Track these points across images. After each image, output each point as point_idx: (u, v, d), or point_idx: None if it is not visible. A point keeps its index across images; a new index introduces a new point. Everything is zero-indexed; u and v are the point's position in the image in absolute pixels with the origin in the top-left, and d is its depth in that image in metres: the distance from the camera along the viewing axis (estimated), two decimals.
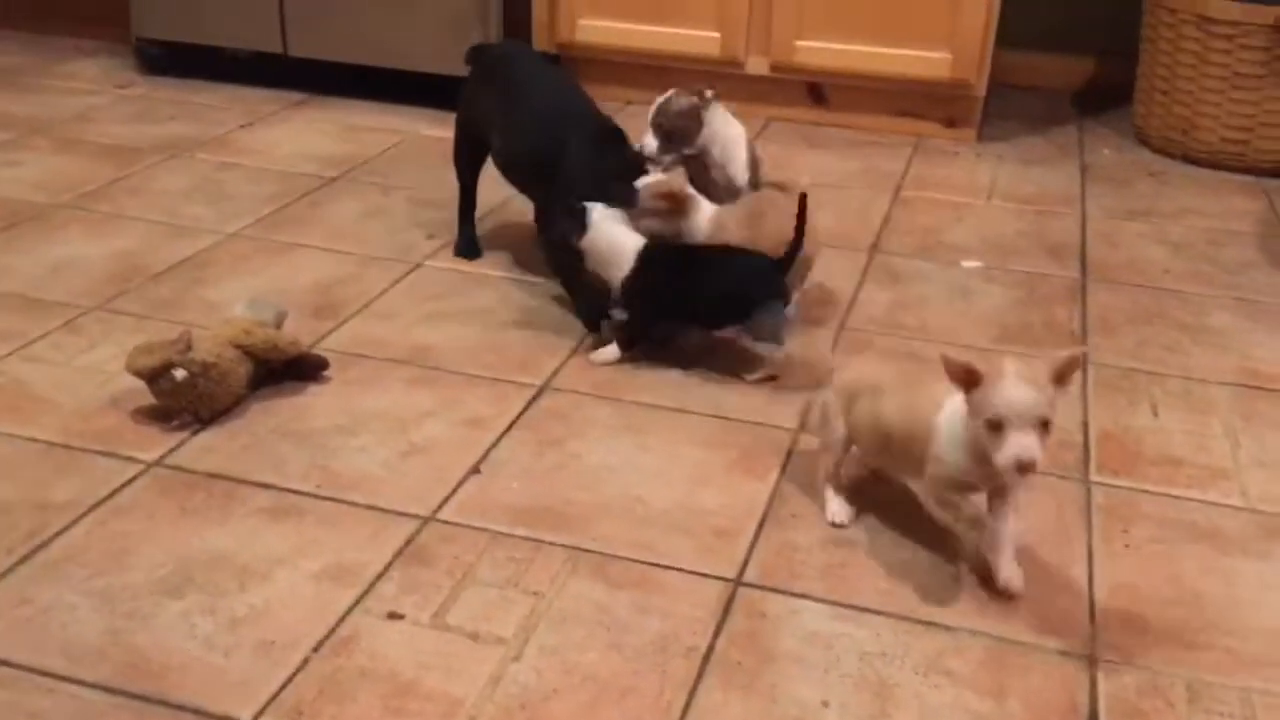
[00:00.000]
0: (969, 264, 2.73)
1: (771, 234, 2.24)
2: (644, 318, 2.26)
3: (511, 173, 2.48)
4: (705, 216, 2.30)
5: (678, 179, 2.36)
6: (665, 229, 2.28)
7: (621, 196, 2.25)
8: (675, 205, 2.27)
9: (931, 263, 2.73)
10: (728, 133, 2.50)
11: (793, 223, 2.17)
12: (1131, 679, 1.53)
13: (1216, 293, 2.62)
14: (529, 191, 2.47)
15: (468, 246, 2.65)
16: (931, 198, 3.11)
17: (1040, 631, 1.60)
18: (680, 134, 2.43)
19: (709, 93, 2.45)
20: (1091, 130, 3.69)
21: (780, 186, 2.41)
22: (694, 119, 2.43)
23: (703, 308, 2.21)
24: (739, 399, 2.14)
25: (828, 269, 2.66)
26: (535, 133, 2.37)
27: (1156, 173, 3.35)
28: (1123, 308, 2.54)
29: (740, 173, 2.50)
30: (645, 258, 2.22)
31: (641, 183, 2.27)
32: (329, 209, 2.89)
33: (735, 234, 2.27)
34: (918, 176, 3.26)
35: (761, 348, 2.20)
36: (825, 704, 1.48)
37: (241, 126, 3.42)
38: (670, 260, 2.23)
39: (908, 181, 3.22)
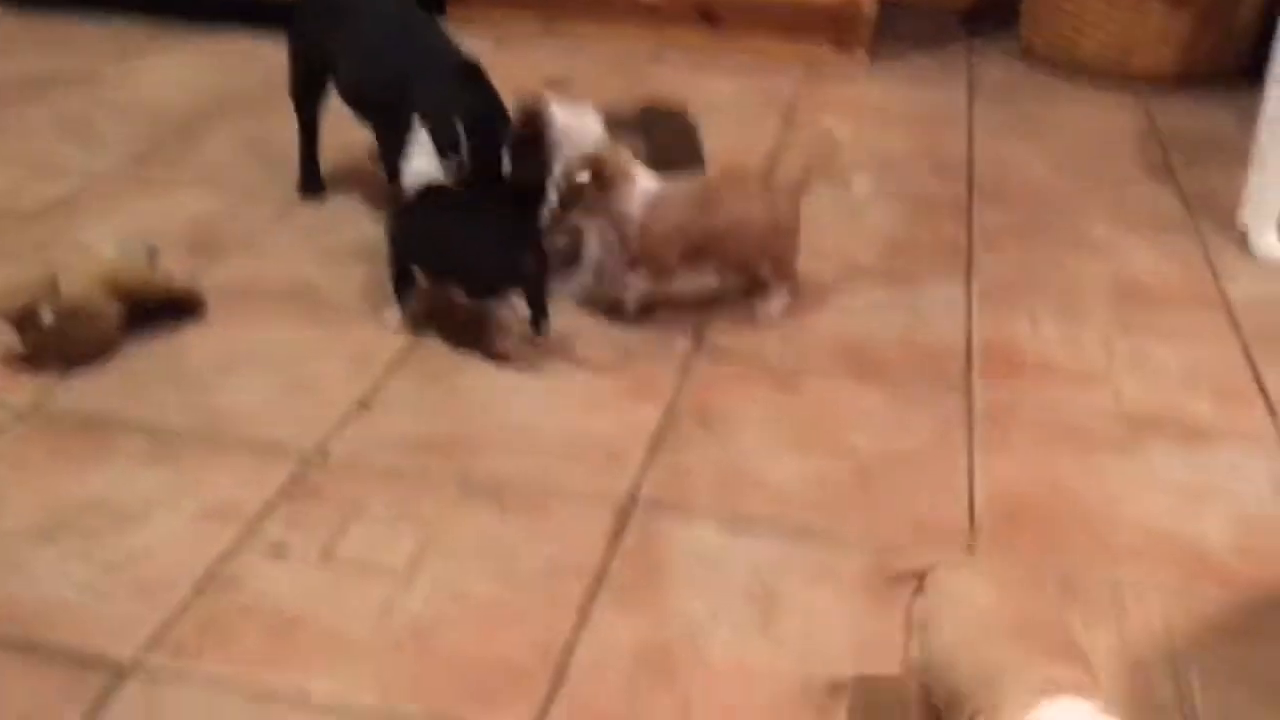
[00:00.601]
0: (859, 184, 2.74)
1: (725, 224, 2.07)
2: (391, 267, 2.05)
3: (356, 106, 2.34)
4: (637, 197, 2.04)
5: (618, 151, 2.08)
6: (591, 208, 2.05)
7: (480, 139, 2.06)
8: (598, 179, 2.01)
9: (822, 183, 2.73)
10: (578, 130, 2.16)
11: (754, 209, 2.07)
12: (1008, 576, 1.57)
13: (1096, 205, 2.68)
14: (375, 127, 2.34)
15: (309, 182, 2.54)
16: (823, 119, 3.11)
17: (922, 536, 1.64)
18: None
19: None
20: (980, 49, 3.72)
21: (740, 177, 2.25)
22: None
23: (442, 270, 2.00)
24: (630, 328, 2.13)
25: None
26: (382, 65, 2.23)
27: (1040, 87, 3.40)
28: (1007, 223, 2.58)
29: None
30: (418, 195, 2.01)
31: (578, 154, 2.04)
32: (203, 144, 2.78)
33: (679, 221, 2.06)
34: (810, 98, 3.26)
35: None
36: (715, 617, 1.50)
37: (112, 60, 3.28)
38: (432, 205, 2.00)
39: (800, 103, 3.22)
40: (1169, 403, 1.96)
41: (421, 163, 2.05)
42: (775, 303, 2.17)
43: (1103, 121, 3.18)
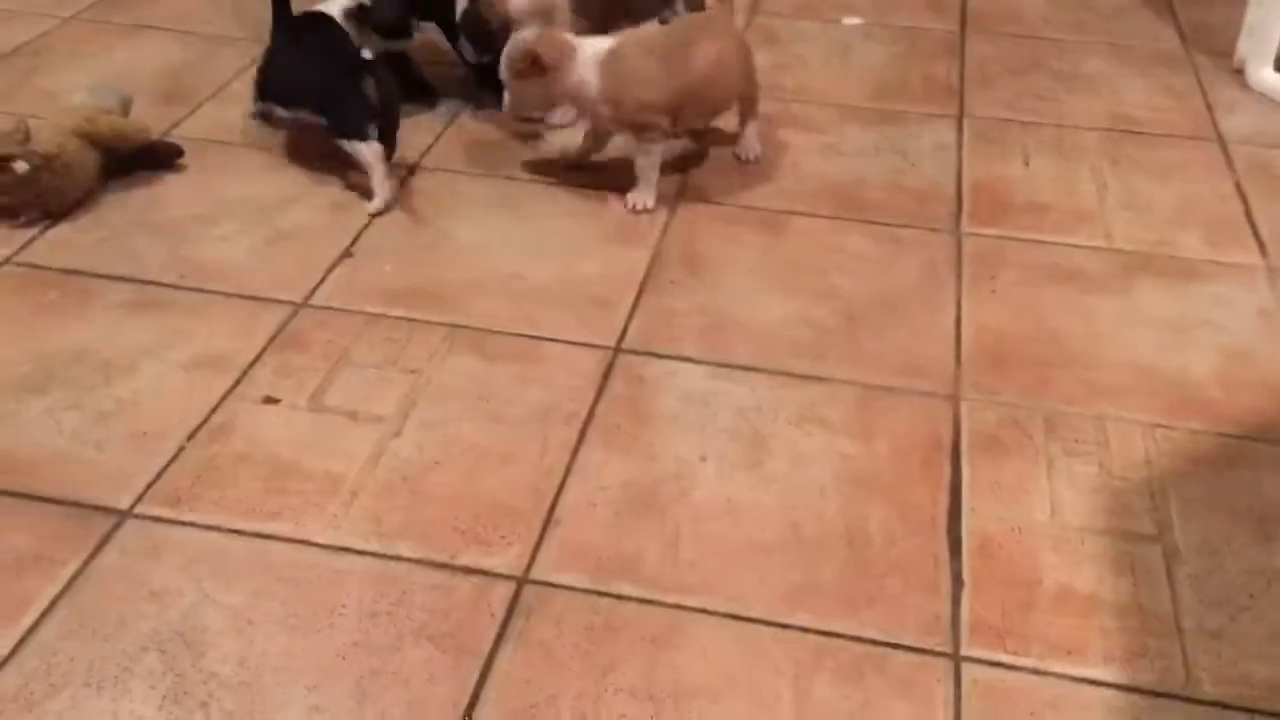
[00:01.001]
0: (849, 21, 2.67)
1: (700, 71, 1.94)
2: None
3: None
4: (588, 65, 1.91)
5: (549, 34, 1.95)
6: (543, 93, 1.95)
7: None
8: (534, 68, 1.91)
9: (812, 22, 2.66)
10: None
11: (727, 48, 1.99)
12: (992, 414, 1.59)
13: (1092, 39, 2.61)
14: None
15: None
16: None
17: (908, 376, 1.65)
18: None
19: None
20: None
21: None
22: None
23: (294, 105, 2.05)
24: (613, 170, 2.10)
25: None
26: None
27: None
28: (1000, 59, 2.52)
29: None
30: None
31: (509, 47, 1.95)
32: None
33: (652, 76, 1.93)
34: None
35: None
36: (703, 458, 1.52)
37: None
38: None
39: None
40: (1159, 240, 1.95)
41: None
42: (756, 140, 2.13)
43: None
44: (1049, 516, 1.43)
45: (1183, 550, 1.40)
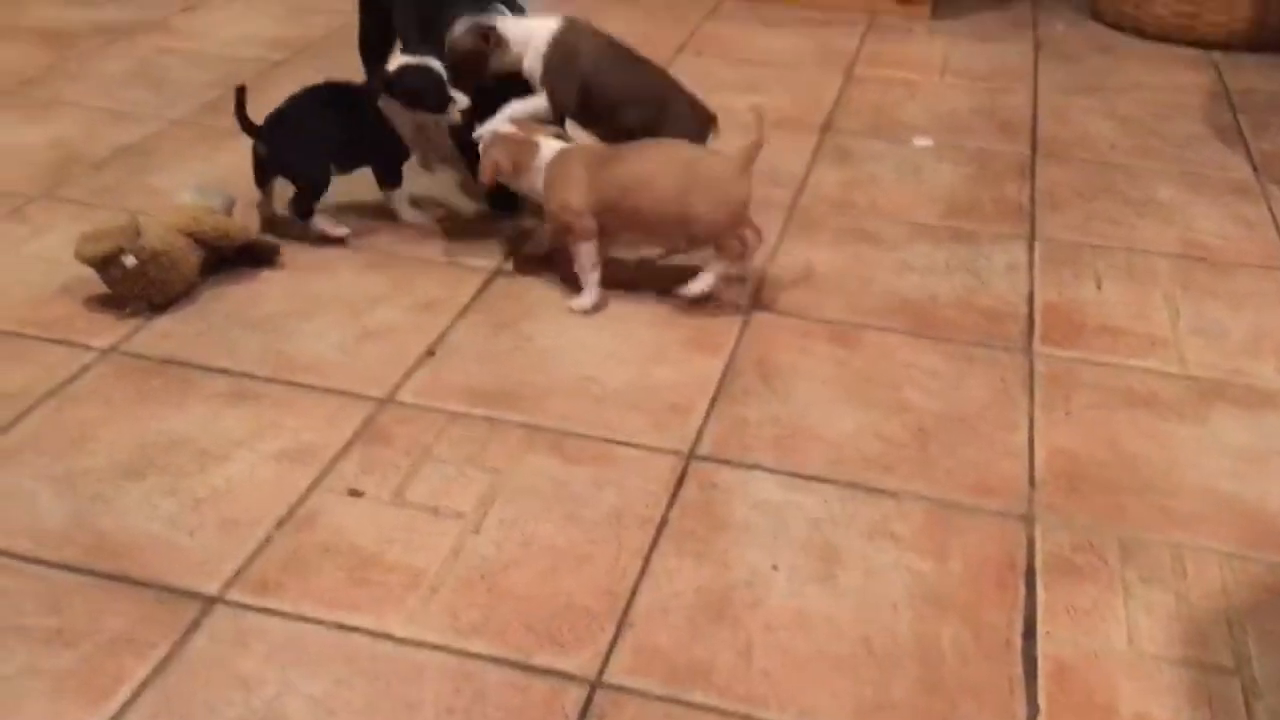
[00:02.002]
0: (921, 142, 2.74)
1: (622, 187, 1.97)
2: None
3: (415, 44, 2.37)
4: (542, 163, 2.03)
5: (512, 136, 2.05)
6: (513, 183, 2.07)
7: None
8: (508, 160, 2.03)
9: (883, 141, 2.74)
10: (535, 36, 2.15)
11: (664, 167, 1.96)
12: (1067, 537, 1.59)
13: (1162, 166, 2.65)
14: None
15: None
16: (884, 75, 3.10)
17: (981, 494, 1.67)
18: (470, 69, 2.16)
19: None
20: (1046, 5, 3.67)
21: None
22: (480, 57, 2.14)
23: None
24: (691, 277, 2.15)
25: (779, 149, 2.66)
26: (436, 17, 2.23)
27: (1108, 47, 3.35)
28: (1071, 182, 2.57)
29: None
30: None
31: (482, 132, 2.10)
32: (275, 94, 2.80)
33: (581, 174, 2.00)
34: (871, 54, 3.24)
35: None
36: (775, 568, 1.53)
37: (182, 9, 3.33)
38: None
39: (861, 60, 3.20)
40: (1234, 368, 1.96)
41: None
42: (696, 283, 2.03)
43: (1171, 81, 3.13)
44: (1125, 644, 1.43)
45: (1261, 684, 1.38)
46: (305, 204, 2.19)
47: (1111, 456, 1.75)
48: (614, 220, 2.02)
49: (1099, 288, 2.18)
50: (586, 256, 2.04)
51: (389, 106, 2.17)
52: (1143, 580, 1.53)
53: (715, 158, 2.01)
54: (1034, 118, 2.89)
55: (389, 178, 2.28)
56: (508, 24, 2.14)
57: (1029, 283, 2.19)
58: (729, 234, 2.00)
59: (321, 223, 2.21)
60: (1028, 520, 1.62)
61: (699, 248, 2.06)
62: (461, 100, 2.13)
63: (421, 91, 2.13)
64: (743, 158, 1.96)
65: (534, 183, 2.05)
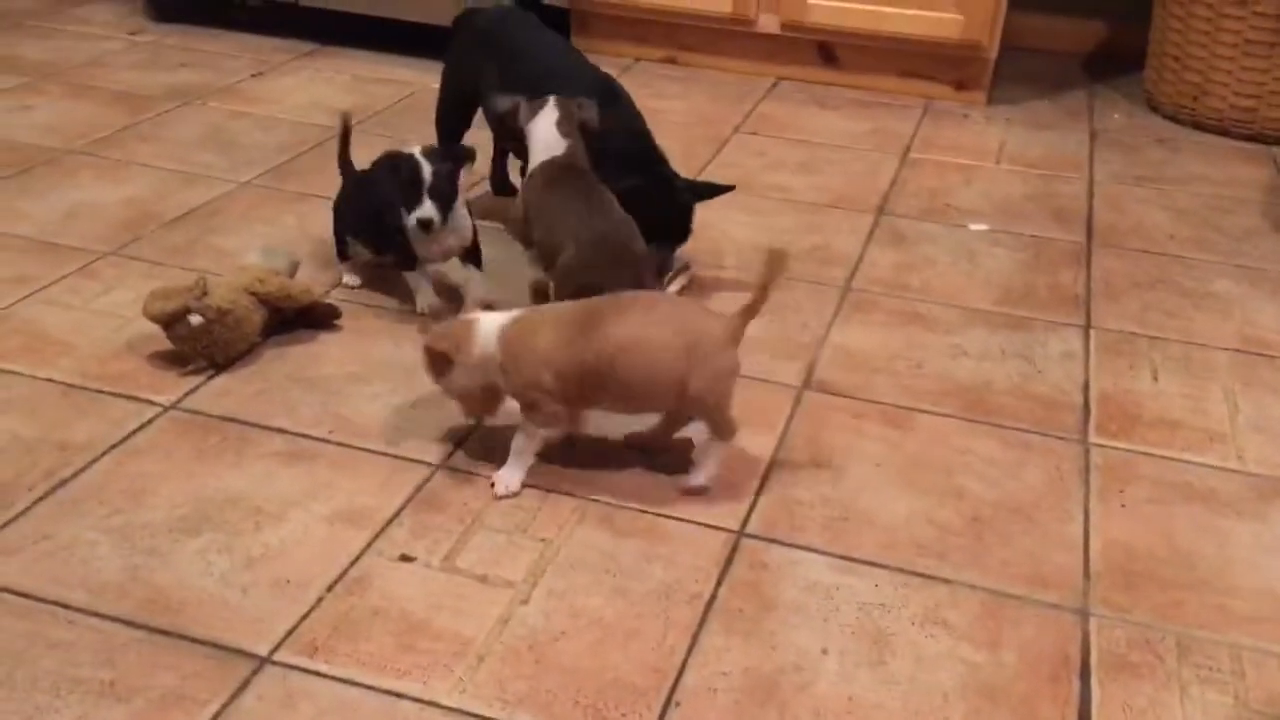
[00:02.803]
0: (976, 227, 2.75)
1: (610, 349, 1.69)
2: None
3: (508, 132, 2.43)
4: (487, 337, 1.75)
5: (440, 327, 1.82)
6: (469, 384, 1.79)
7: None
8: (439, 363, 1.78)
9: (938, 225, 2.75)
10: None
11: (653, 331, 1.69)
12: (1123, 633, 1.57)
13: (1220, 259, 2.64)
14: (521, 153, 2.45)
15: None
16: (939, 160, 3.12)
17: (1035, 585, 1.64)
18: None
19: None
20: (1101, 95, 3.69)
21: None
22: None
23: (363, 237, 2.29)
24: (745, 356, 2.16)
25: (835, 229, 2.68)
26: (533, 90, 2.35)
27: (1165, 139, 3.36)
28: (1127, 273, 2.56)
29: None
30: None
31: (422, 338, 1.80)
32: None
33: (548, 348, 1.73)
34: (926, 138, 3.27)
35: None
36: (825, 651, 1.52)
37: (252, 75, 3.43)
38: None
39: (916, 143, 3.23)
40: None
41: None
42: (709, 463, 1.79)
43: (1227, 174, 3.13)
44: None
45: None
46: (337, 249, 2.34)
47: (1168, 552, 1.72)
48: (596, 394, 1.74)
49: (1155, 379, 2.16)
50: (537, 441, 1.77)
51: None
52: (1200, 680, 1.49)
53: (711, 319, 1.74)
54: (1090, 206, 2.89)
55: (401, 263, 2.23)
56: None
57: (1084, 372, 2.18)
58: (718, 409, 1.76)
59: (345, 271, 2.35)
60: (1083, 614, 1.60)
61: (682, 425, 1.85)
62: (424, 211, 2.04)
63: (385, 183, 2.09)
64: (736, 323, 1.72)
65: (482, 363, 1.74)
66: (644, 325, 1.70)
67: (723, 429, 1.78)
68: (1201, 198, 2.97)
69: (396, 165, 2.05)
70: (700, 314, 1.77)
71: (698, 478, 1.80)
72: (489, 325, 1.75)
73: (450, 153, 2.10)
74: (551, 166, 2.13)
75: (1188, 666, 1.52)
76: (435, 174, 2.04)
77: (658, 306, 1.75)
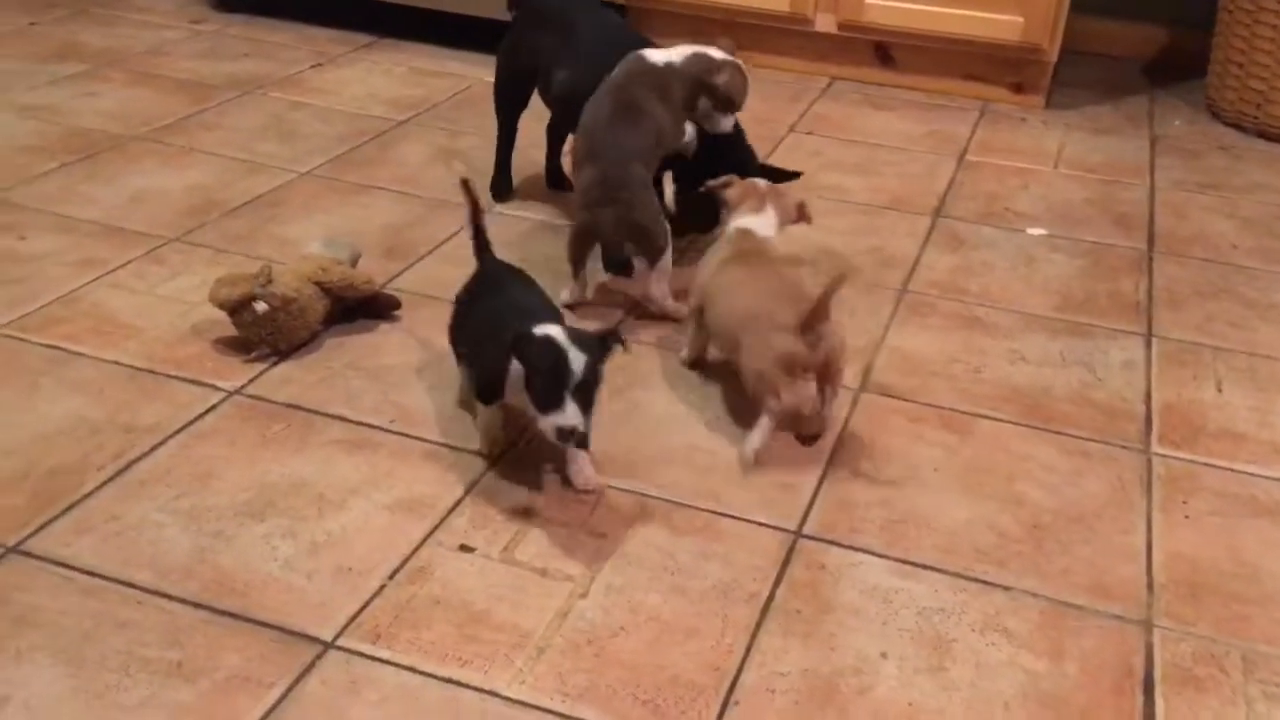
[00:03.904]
0: (1034, 231, 2.72)
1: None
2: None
3: (567, 110, 2.43)
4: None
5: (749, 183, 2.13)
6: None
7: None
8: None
9: (996, 229, 2.73)
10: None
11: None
12: (1188, 646, 1.55)
13: None
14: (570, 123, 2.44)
15: (501, 184, 2.70)
16: (997, 164, 3.10)
17: (1097, 596, 1.63)
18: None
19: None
20: (1162, 101, 3.64)
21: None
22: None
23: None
24: None
25: (891, 231, 2.67)
26: (595, 69, 2.33)
27: (1228, 146, 3.31)
28: (1189, 281, 2.53)
29: None
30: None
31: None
32: (398, 151, 2.92)
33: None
34: (984, 141, 3.24)
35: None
36: (884, 655, 1.51)
37: (312, 66, 3.46)
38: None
39: (973, 146, 3.20)
40: None
41: None
42: (750, 439, 1.86)
43: None
44: None
45: None
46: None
47: (1233, 565, 1.70)
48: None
49: (1220, 390, 2.13)
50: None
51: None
52: (1266, 696, 1.47)
53: (789, 299, 1.84)
54: (1151, 213, 2.86)
55: (482, 393, 1.83)
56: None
57: (1146, 381, 2.15)
58: (765, 386, 1.82)
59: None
60: (1146, 626, 1.58)
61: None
62: (566, 418, 1.64)
63: (537, 380, 1.66)
64: (806, 311, 1.79)
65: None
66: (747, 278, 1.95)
67: (767, 408, 1.84)
68: (1266, 207, 2.93)
69: (534, 344, 1.64)
70: (787, 291, 1.89)
71: (749, 443, 1.86)
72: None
73: (601, 338, 1.69)
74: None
75: (1254, 682, 1.50)
76: (585, 368, 1.63)
77: (775, 272, 1.96)
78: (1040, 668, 1.50)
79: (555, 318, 1.80)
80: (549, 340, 1.64)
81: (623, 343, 1.71)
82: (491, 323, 1.78)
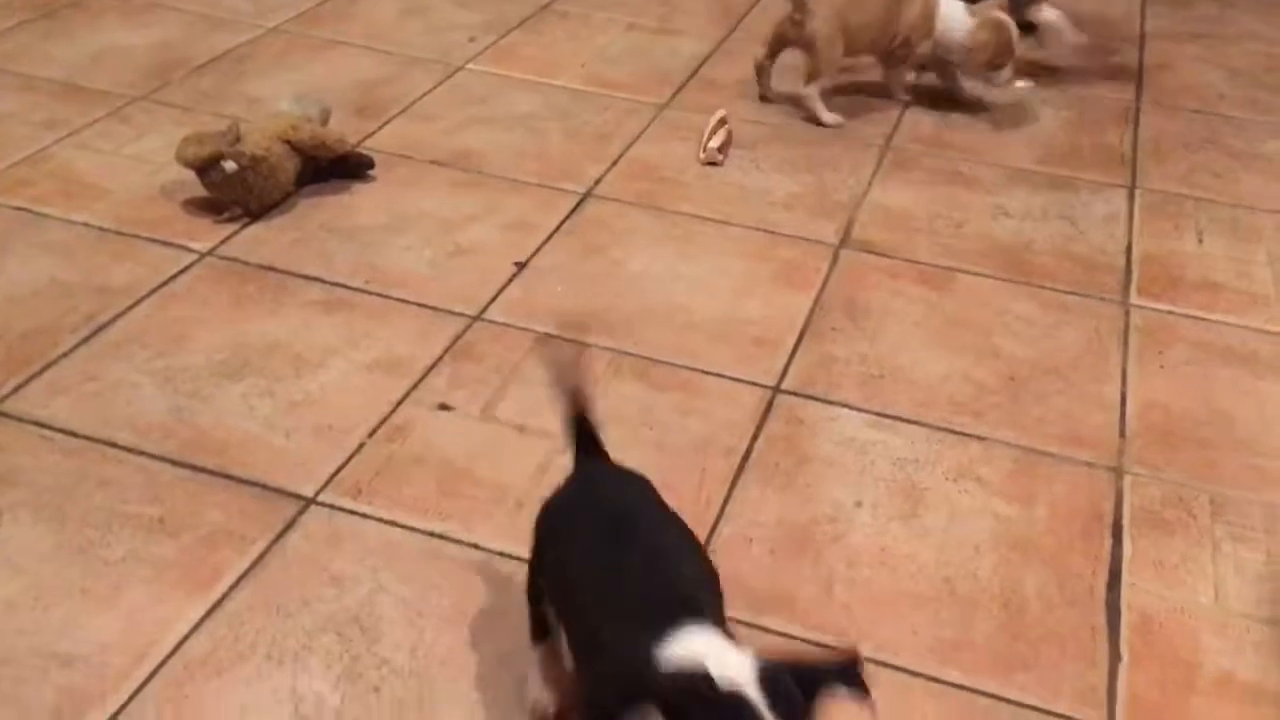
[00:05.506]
0: (1021, 83, 2.67)
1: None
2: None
3: None
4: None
5: None
6: None
7: None
8: None
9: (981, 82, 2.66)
10: None
11: None
12: (1156, 491, 1.58)
13: (1271, 120, 2.56)
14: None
15: None
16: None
17: (1070, 444, 1.65)
18: None
19: None
20: None
21: None
22: None
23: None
24: (783, 213, 2.14)
25: (876, 86, 2.61)
26: None
27: None
28: (1176, 132, 2.50)
29: None
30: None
31: None
32: (368, 5, 2.83)
33: None
34: None
35: None
36: (859, 504, 1.54)
37: None
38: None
39: None
40: None
41: None
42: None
43: None
44: (1212, 600, 1.41)
45: None
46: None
47: (1205, 413, 1.72)
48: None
49: (1200, 241, 2.12)
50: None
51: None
52: (1233, 538, 1.51)
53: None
54: (1140, 64, 2.80)
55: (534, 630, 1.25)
56: None
57: (1128, 233, 2.14)
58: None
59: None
60: (1117, 472, 1.61)
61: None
62: None
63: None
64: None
65: None
66: None
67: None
68: (1255, 56, 2.87)
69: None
70: None
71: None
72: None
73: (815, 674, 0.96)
74: None
75: (1221, 524, 1.53)
76: None
77: None
78: (1011, 513, 1.53)
79: (710, 592, 1.12)
80: (739, 702, 0.92)
81: (860, 681, 0.97)
82: (605, 606, 1.06)
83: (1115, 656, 1.34)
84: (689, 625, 0.98)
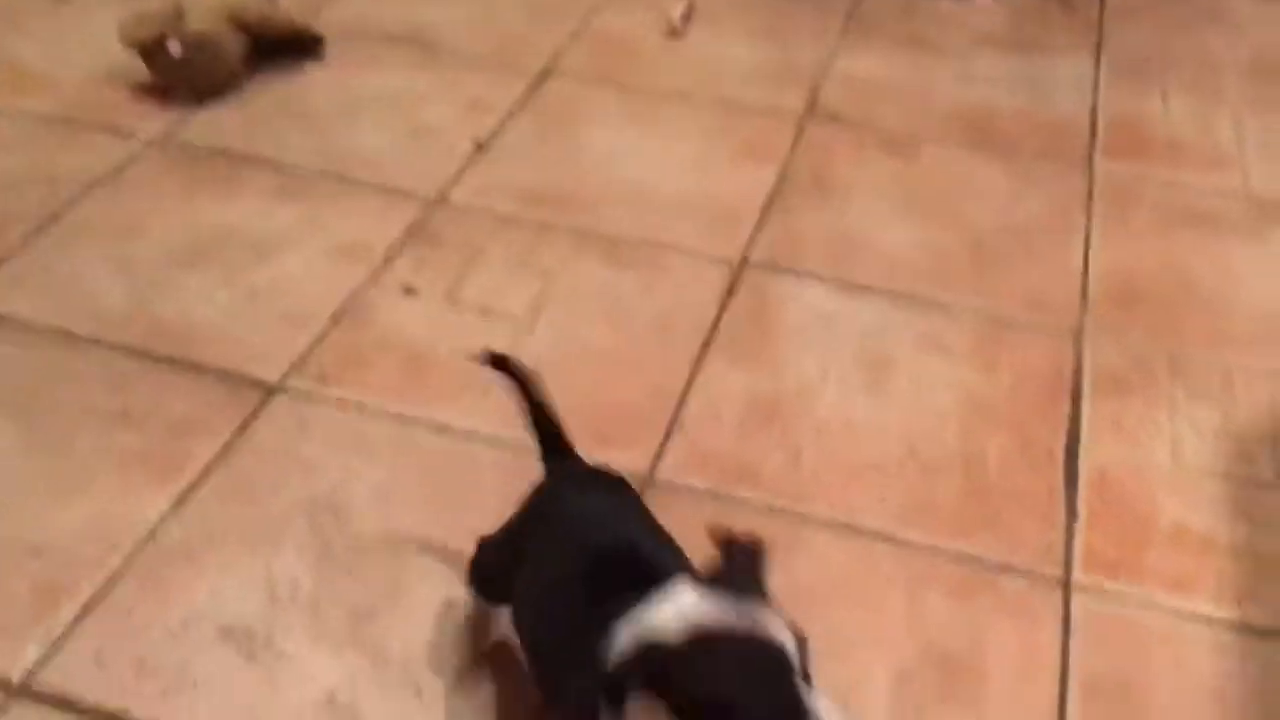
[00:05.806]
0: None
1: None
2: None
3: None
4: None
5: None
6: None
7: None
8: None
9: None
10: None
11: None
12: (1117, 352, 1.60)
13: None
14: None
15: None
16: None
17: (1033, 310, 1.66)
18: None
19: None
20: None
21: None
22: None
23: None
24: (748, 85, 2.10)
25: None
26: None
27: None
28: None
29: None
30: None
31: None
32: None
33: None
34: None
35: None
36: (825, 375, 1.55)
37: None
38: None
39: None
40: None
41: None
42: None
43: None
44: (1169, 458, 1.44)
45: None
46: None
47: (1167, 274, 1.73)
48: None
49: (1164, 101, 2.11)
50: None
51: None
52: (1190, 397, 1.53)
53: None
54: None
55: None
56: None
57: (1093, 96, 2.12)
58: None
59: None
60: (1078, 336, 1.62)
61: None
62: None
63: None
64: None
65: None
66: None
67: None
68: None
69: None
70: None
71: None
72: None
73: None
74: None
75: (1179, 384, 1.55)
76: None
77: None
78: (974, 378, 1.55)
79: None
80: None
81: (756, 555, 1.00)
82: (572, 606, 0.98)
83: (1072, 514, 1.37)
84: (640, 599, 0.89)
